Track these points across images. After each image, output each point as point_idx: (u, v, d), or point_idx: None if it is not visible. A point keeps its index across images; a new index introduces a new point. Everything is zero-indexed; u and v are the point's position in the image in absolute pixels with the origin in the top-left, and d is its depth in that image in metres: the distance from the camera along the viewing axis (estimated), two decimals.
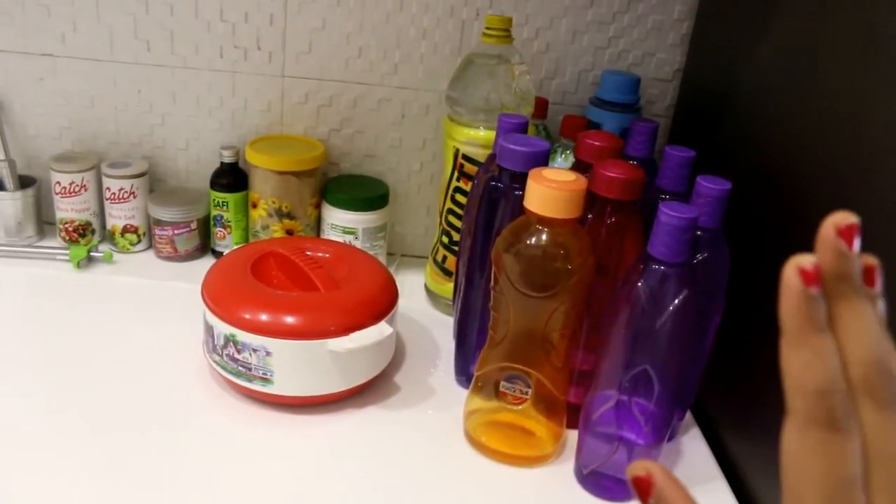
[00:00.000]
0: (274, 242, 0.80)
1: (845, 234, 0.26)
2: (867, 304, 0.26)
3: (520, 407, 0.68)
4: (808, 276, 0.26)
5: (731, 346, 0.74)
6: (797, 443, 0.26)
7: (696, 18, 0.91)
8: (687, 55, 0.93)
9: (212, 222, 0.96)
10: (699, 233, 0.66)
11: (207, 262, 0.96)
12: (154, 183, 0.99)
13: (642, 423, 0.65)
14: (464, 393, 0.75)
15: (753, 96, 0.76)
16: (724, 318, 0.71)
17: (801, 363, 0.26)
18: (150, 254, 0.98)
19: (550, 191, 0.60)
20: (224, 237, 0.96)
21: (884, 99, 0.55)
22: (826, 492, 0.25)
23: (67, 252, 0.92)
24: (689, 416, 0.79)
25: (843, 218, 0.26)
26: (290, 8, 0.90)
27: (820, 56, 0.64)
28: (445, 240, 0.88)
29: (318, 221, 0.96)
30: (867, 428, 0.25)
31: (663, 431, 0.68)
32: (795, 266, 0.26)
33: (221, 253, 0.96)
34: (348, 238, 0.93)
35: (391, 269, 0.94)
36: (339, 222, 0.92)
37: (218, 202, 0.94)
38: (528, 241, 0.62)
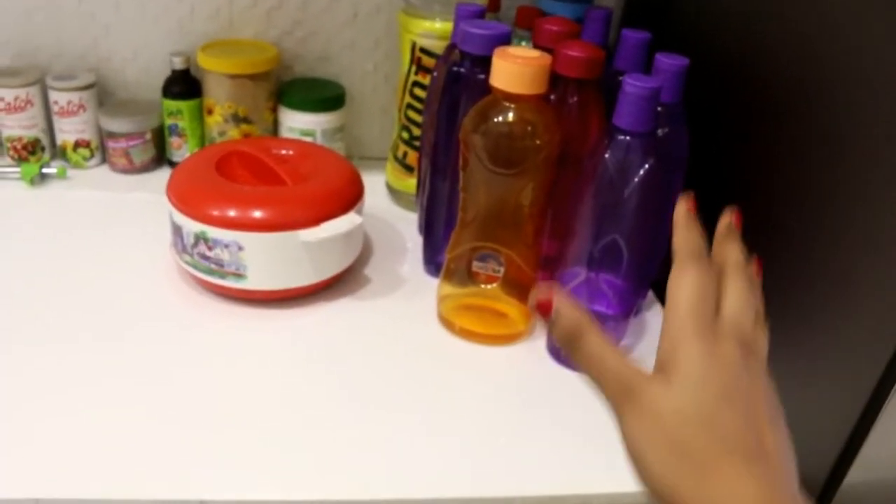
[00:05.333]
0: (237, 142, 0.80)
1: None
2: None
3: (492, 286, 0.69)
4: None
5: None
6: (677, 273, 0.39)
7: None
8: None
9: (166, 132, 0.94)
10: (660, 108, 0.68)
11: (164, 173, 0.95)
12: (103, 96, 0.97)
13: (610, 296, 0.67)
14: (433, 282, 0.76)
15: None
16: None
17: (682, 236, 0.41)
18: (105, 168, 0.96)
19: (517, 67, 0.61)
20: (180, 146, 0.94)
21: None
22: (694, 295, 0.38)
23: (19, 170, 0.90)
24: (651, 294, 0.82)
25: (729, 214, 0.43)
26: None
27: None
28: (405, 135, 0.88)
29: (275, 126, 0.95)
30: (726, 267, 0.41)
31: (631, 304, 0.70)
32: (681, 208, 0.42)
33: (178, 163, 0.94)
34: (307, 140, 0.92)
35: None
36: (297, 125, 0.92)
37: (172, 111, 0.92)
38: (496, 119, 0.63)
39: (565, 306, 0.39)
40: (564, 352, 0.40)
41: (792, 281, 0.61)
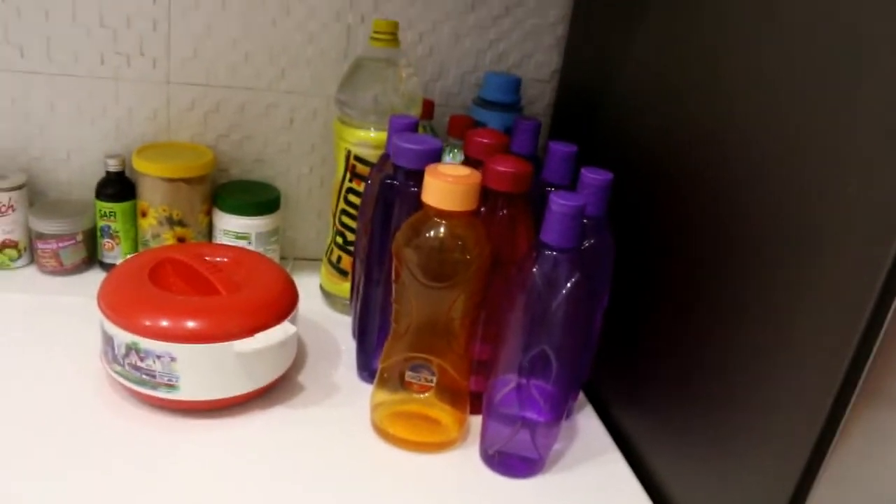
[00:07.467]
0: (170, 249, 0.80)
1: None
2: None
3: (425, 395, 0.70)
4: None
5: (618, 328, 0.79)
6: None
7: (570, 22, 0.96)
8: (563, 56, 0.98)
9: (99, 234, 0.94)
10: (585, 220, 0.71)
11: (94, 275, 0.94)
12: (33, 196, 0.96)
13: (541, 403, 0.69)
14: (367, 388, 0.77)
15: (627, 94, 0.81)
16: (610, 302, 0.77)
17: None
18: (33, 269, 0.94)
19: (448, 185, 0.63)
20: (112, 248, 0.94)
21: (744, 94, 0.61)
22: None
23: None
24: (581, 396, 0.83)
25: None
26: (174, 13, 0.90)
27: (685, 55, 0.70)
28: (340, 240, 0.89)
29: (210, 228, 0.95)
30: None
31: (561, 410, 0.72)
32: None
33: (109, 265, 0.94)
34: (241, 243, 0.93)
35: None
36: (232, 228, 0.92)
37: (105, 213, 0.92)
38: (427, 234, 0.65)
39: None
40: None
41: (713, 373, 0.63)
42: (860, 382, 0.48)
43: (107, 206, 0.92)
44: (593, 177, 0.71)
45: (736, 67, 0.62)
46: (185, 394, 0.69)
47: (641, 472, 0.73)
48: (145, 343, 0.67)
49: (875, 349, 0.47)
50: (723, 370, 0.62)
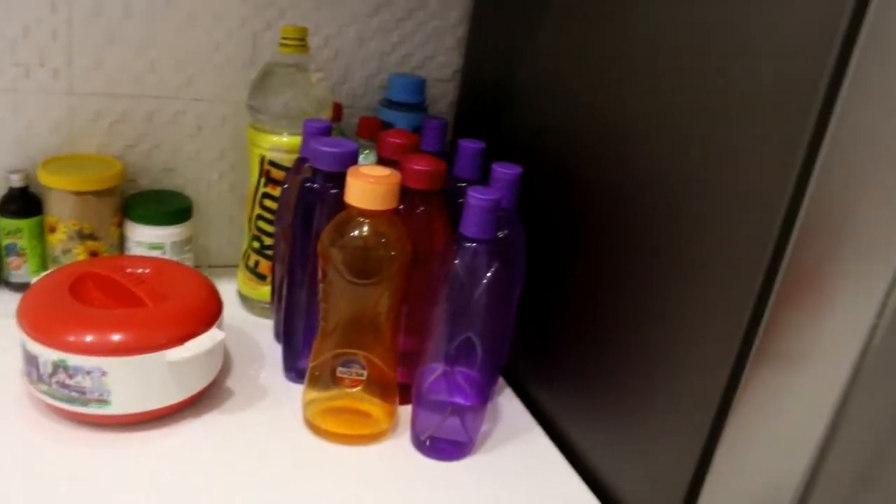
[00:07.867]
0: (90, 263, 0.79)
1: None
2: None
3: (356, 389, 0.73)
4: None
5: (532, 314, 0.84)
6: None
7: (470, 23, 1.00)
8: (464, 57, 1.02)
9: (3, 252, 0.92)
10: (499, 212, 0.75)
11: (0, 296, 0.92)
12: None
13: (468, 388, 0.73)
14: (295, 388, 0.79)
15: (530, 92, 0.86)
16: (523, 289, 0.81)
17: None
18: None
19: (370, 185, 0.66)
20: (20, 266, 0.92)
21: (638, 89, 0.66)
22: None
23: None
24: (500, 379, 0.88)
25: None
26: (75, 22, 0.88)
27: (583, 56, 0.75)
28: (257, 245, 0.90)
29: (122, 240, 0.94)
30: None
31: (486, 393, 0.76)
32: None
33: (19, 284, 0.92)
34: (155, 253, 0.92)
35: None
36: (146, 238, 0.92)
37: (10, 230, 0.90)
38: (352, 234, 0.67)
39: None
40: None
41: (622, 349, 0.68)
42: (754, 348, 0.54)
43: (12, 224, 0.90)
44: (504, 171, 0.75)
45: (632, 68, 0.67)
46: (117, 408, 0.69)
47: (562, 445, 0.78)
48: (74, 359, 0.67)
49: (765, 317, 0.53)
50: (631, 344, 0.67)
